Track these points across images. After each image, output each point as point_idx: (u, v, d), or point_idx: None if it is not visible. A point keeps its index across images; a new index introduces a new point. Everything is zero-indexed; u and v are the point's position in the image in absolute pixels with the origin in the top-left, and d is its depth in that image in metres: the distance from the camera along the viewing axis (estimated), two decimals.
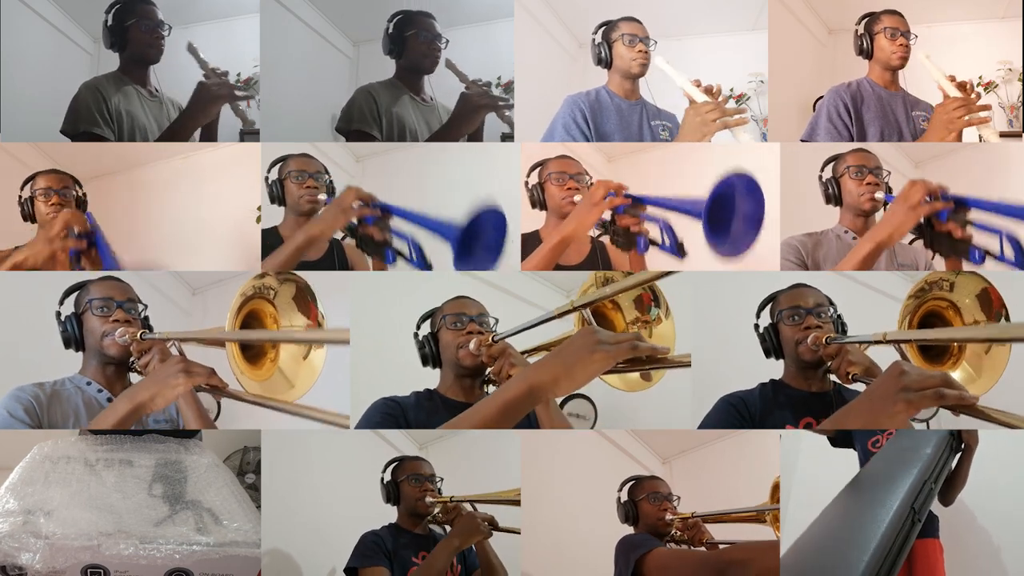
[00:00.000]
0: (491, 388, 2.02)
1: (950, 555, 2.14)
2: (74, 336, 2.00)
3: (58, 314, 2.01)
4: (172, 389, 1.84)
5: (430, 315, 2.07)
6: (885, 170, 2.28)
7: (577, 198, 2.23)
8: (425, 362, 2.04)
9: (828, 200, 2.32)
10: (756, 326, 2.06)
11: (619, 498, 2.24)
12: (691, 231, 2.06)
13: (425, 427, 1.99)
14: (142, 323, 2.02)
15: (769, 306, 2.08)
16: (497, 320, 2.05)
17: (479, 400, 1.98)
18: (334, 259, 2.31)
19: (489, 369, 1.96)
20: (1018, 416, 1.65)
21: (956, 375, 1.94)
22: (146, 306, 2.04)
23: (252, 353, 1.99)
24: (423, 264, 2.10)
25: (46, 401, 1.95)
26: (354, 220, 2.09)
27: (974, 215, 1.99)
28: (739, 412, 2.01)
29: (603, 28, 2.42)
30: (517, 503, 2.09)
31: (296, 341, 2.00)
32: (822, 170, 2.32)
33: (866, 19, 2.48)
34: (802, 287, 2.07)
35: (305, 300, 2.04)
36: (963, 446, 2.05)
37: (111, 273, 2.05)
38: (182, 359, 1.89)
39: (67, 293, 2.03)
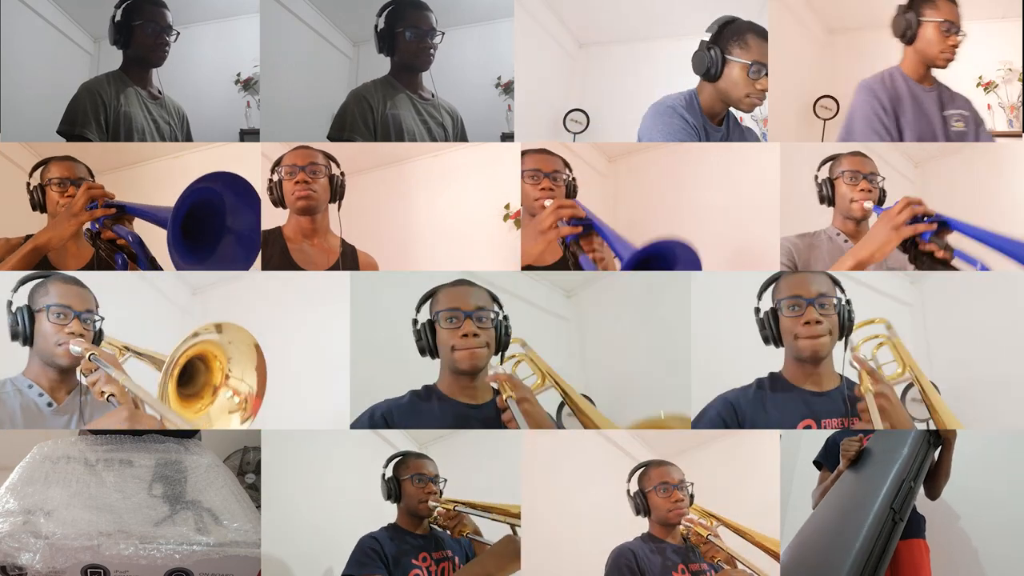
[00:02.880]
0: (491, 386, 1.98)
1: (935, 555, 2.14)
2: (24, 331, 1.95)
3: (9, 304, 1.96)
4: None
5: (428, 297, 1.99)
6: (880, 176, 2.24)
7: (548, 203, 2.09)
8: (423, 353, 1.97)
9: (822, 200, 2.28)
10: (757, 310, 2.01)
11: (628, 489, 2.19)
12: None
13: (422, 426, 1.96)
14: (95, 334, 2.00)
15: (771, 290, 2.02)
16: (498, 311, 1.98)
17: (478, 401, 1.96)
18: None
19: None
20: None
21: None
22: (103, 317, 2.02)
23: (188, 394, 1.96)
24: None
25: None
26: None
27: (954, 237, 2.00)
28: (724, 420, 1.97)
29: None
30: (517, 519, 2.05)
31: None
32: (819, 169, 2.28)
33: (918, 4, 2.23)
34: (806, 273, 2.01)
35: (263, 362, 1.99)
36: (942, 440, 2.03)
37: (77, 276, 2.03)
38: (132, 413, 1.84)
39: (22, 282, 1.98)
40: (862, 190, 2.20)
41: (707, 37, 2.13)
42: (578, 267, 2.03)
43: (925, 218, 1.99)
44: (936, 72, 2.34)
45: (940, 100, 2.32)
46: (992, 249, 1.95)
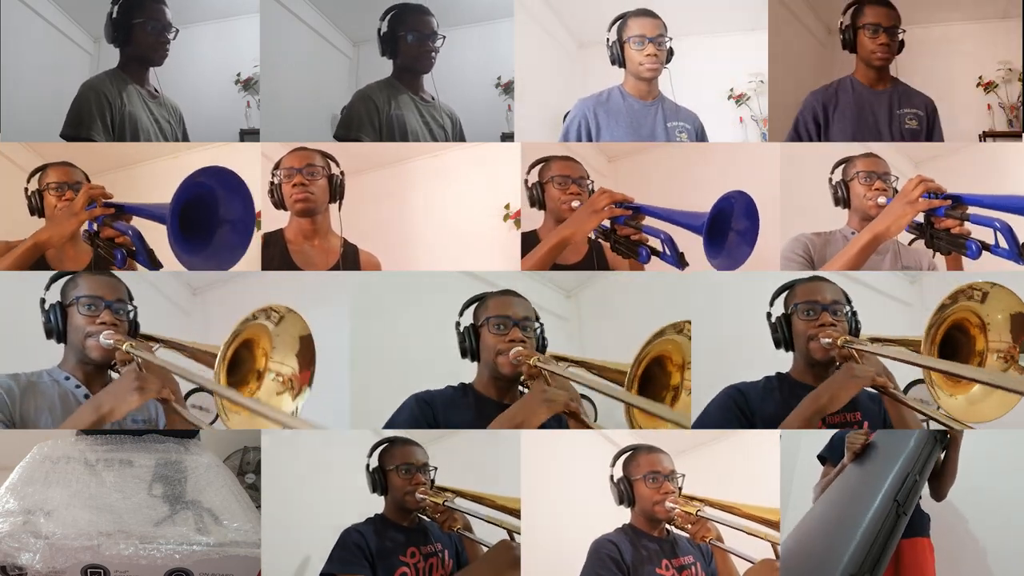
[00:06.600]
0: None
1: (939, 554, 2.14)
2: (57, 327, 1.92)
3: (42, 301, 1.93)
4: (127, 404, 1.83)
5: (474, 302, 2.05)
6: (893, 175, 2.27)
7: (576, 204, 2.22)
8: (464, 354, 2.03)
9: (837, 202, 2.31)
10: (768, 315, 2.05)
11: (611, 475, 2.13)
12: (690, 241, 2.12)
13: (458, 423, 1.99)
14: (130, 324, 1.96)
15: (784, 296, 2.06)
16: (541, 325, 2.06)
17: (512, 400, 2.01)
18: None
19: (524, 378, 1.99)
20: None
21: (970, 394, 1.91)
22: (135, 307, 1.98)
23: (234, 380, 1.94)
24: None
25: (19, 394, 1.88)
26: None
27: (971, 211, 2.03)
28: (737, 405, 1.99)
29: (616, 24, 2.36)
30: (510, 514, 2.03)
31: (261, 415, 1.86)
32: (832, 172, 2.31)
33: (852, 8, 2.39)
34: (821, 281, 2.05)
35: (309, 346, 1.98)
36: (948, 438, 2.04)
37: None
38: (137, 374, 1.84)
39: (53, 279, 1.95)
40: (877, 189, 2.24)
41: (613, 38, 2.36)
42: (603, 263, 2.29)
43: (938, 195, 2.06)
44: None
45: (894, 100, 2.43)
46: (1012, 213, 1.97)
